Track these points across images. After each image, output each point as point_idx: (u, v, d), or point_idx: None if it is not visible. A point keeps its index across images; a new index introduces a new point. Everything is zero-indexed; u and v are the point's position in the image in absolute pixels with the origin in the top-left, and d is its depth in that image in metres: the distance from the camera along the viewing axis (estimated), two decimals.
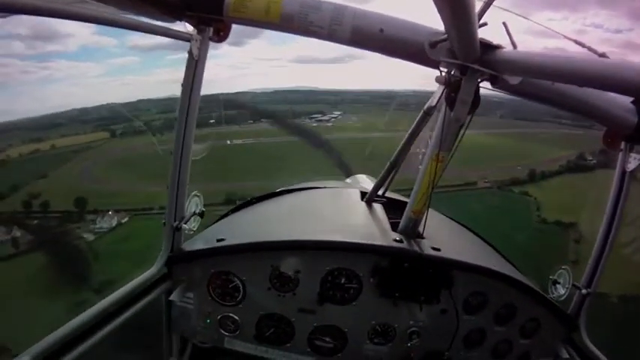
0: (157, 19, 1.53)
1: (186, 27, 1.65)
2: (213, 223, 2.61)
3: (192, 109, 1.82)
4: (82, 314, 1.67)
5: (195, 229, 2.18)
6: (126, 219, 24.82)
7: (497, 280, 2.20)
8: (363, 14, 1.53)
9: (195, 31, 1.65)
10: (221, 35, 1.66)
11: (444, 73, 1.55)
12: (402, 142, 2.39)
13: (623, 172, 2.04)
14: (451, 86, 1.55)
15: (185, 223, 2.08)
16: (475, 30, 1.21)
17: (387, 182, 2.69)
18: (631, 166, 1.95)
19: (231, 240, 2.10)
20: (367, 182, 4.04)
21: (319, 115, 39.94)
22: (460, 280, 2.15)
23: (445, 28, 1.26)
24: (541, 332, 2.41)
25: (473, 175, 37.13)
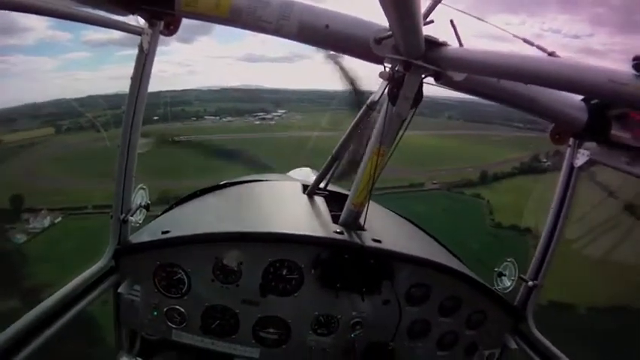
0: (111, 12, 1.74)
1: (138, 21, 1.86)
2: (159, 215, 2.94)
3: (139, 103, 2.07)
4: (30, 312, 1.85)
5: (141, 221, 2.42)
6: (59, 218, 25.59)
7: (439, 271, 2.50)
8: (309, 10, 1.76)
9: (147, 24, 1.87)
10: (171, 29, 1.89)
11: (387, 69, 1.80)
12: (344, 135, 2.74)
13: (571, 168, 2.35)
14: (394, 82, 1.81)
15: (132, 216, 2.33)
16: (420, 27, 1.39)
17: (328, 175, 3.07)
18: (579, 162, 2.27)
19: (176, 232, 2.35)
20: (310, 175, 4.50)
21: (262, 114, 44.07)
22: (402, 272, 2.44)
23: (389, 24, 1.45)
24: (488, 323, 2.74)
25: (420, 176, 40.42)
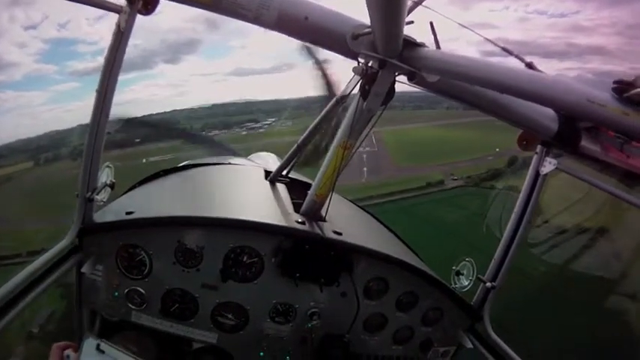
0: None
1: None
2: (122, 194, 3.15)
3: (112, 82, 2.21)
4: None
5: (105, 200, 2.57)
6: None
7: (397, 267, 2.75)
8: (290, 0, 1.90)
9: (126, 2, 1.98)
10: (149, 8, 2.00)
11: (361, 64, 1.99)
12: (311, 126, 2.99)
13: (537, 175, 2.60)
14: (367, 78, 2.02)
15: (97, 194, 2.48)
16: (401, 27, 1.57)
17: (291, 163, 3.36)
18: (545, 169, 2.50)
19: (140, 213, 2.54)
20: (270, 161, 4.87)
21: (251, 124, 45.95)
22: (360, 265, 2.69)
23: (371, 21, 1.61)
24: (444, 321, 3.02)
25: (436, 172, 39.10)
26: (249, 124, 45.97)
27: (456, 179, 38.85)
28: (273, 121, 46.49)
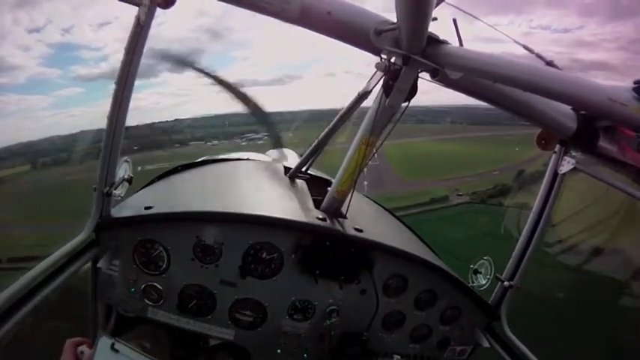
0: None
1: None
2: (141, 189, 3.19)
3: (131, 74, 2.25)
4: (12, 285, 2.06)
5: (122, 195, 2.64)
6: None
7: (417, 264, 2.80)
8: None
9: None
10: (168, 2, 2.03)
11: (384, 60, 2.04)
12: (332, 122, 3.01)
13: (555, 174, 2.68)
14: (390, 74, 2.06)
15: (115, 189, 2.52)
16: (427, 23, 1.62)
17: (311, 160, 3.39)
18: (564, 169, 2.57)
19: (158, 208, 2.58)
20: (291, 156, 4.85)
21: (252, 134, 45.05)
22: (380, 263, 2.73)
23: (397, 17, 1.66)
24: (461, 320, 3.08)
25: (439, 187, 38.67)
26: (249, 134, 46.67)
27: (461, 195, 38.29)
28: None
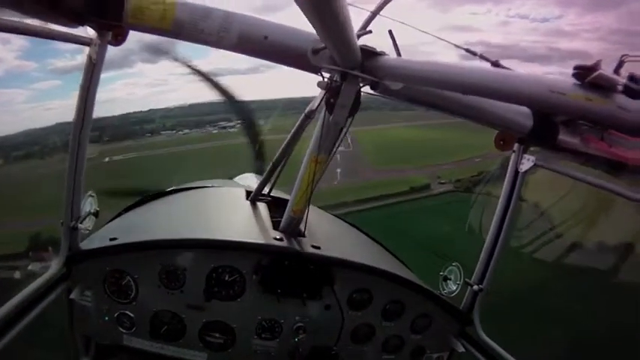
0: (59, 24, 2.05)
1: (87, 31, 2.21)
2: (109, 221, 3.37)
3: (88, 111, 2.40)
4: None
5: (90, 228, 2.81)
6: None
7: (380, 276, 2.94)
8: (249, 21, 2.06)
9: (96, 35, 2.20)
10: (119, 39, 2.18)
11: (326, 79, 2.14)
12: (284, 142, 3.15)
13: (516, 173, 2.75)
14: (331, 91, 2.14)
15: (81, 223, 2.69)
16: (352, 39, 1.66)
17: (271, 181, 3.60)
18: (524, 167, 2.64)
19: (123, 239, 2.75)
20: (254, 181, 5.13)
21: (224, 123, 46.47)
22: (342, 278, 2.88)
23: (320, 37, 1.73)
24: (433, 327, 3.21)
25: (419, 175, 37.78)
26: (221, 123, 46.76)
27: (443, 183, 37.31)
28: None
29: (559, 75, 1.99)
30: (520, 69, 2.06)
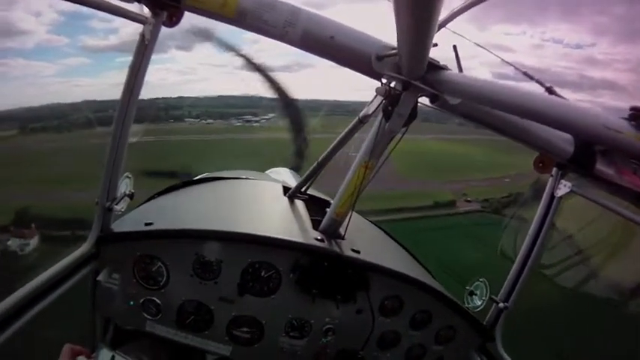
0: None
1: (142, 10, 2.22)
2: (141, 204, 3.41)
3: (135, 92, 2.42)
4: (11, 295, 2.19)
5: (123, 209, 2.84)
6: None
7: (412, 285, 3.01)
8: (316, 19, 2.09)
9: (151, 14, 2.20)
10: (174, 20, 2.18)
11: (384, 85, 2.18)
12: (333, 144, 3.21)
13: (552, 197, 2.85)
14: (390, 98, 2.20)
15: (116, 204, 2.73)
16: (427, 50, 1.71)
17: (310, 180, 3.64)
18: (560, 192, 2.73)
19: (159, 224, 2.77)
20: (288, 176, 5.25)
21: (249, 117, 48.47)
22: (377, 283, 2.93)
23: (398, 43, 1.74)
24: (456, 340, 3.29)
25: (444, 190, 37.18)
26: (247, 116, 47.59)
27: (469, 201, 36.48)
28: (272, 117, 48.55)
29: (589, 103, 2.01)
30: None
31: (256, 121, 48.53)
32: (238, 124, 48.14)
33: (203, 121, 50.23)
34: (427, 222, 31.36)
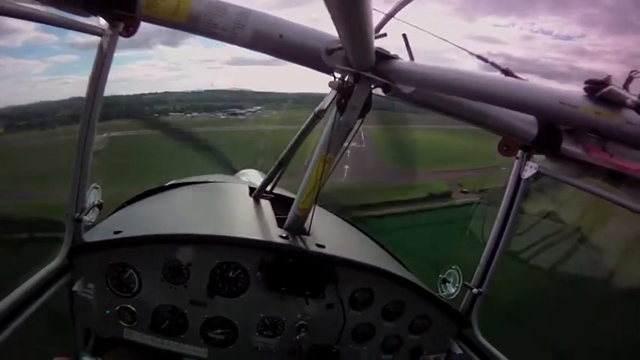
0: (72, 13, 2.17)
1: (99, 22, 2.33)
2: (111, 213, 3.53)
3: (96, 102, 2.53)
4: None
5: (93, 220, 2.95)
6: None
7: (381, 276, 3.11)
8: (264, 19, 2.18)
9: (108, 25, 2.31)
10: (130, 31, 2.27)
11: (337, 79, 2.27)
12: (292, 141, 3.32)
13: (518, 180, 2.95)
14: (343, 92, 2.27)
15: (85, 215, 2.83)
16: (370, 41, 1.76)
17: (275, 179, 3.81)
18: (527, 174, 2.79)
19: (128, 232, 2.89)
20: (256, 177, 5.47)
21: (235, 109, 48.92)
22: (345, 277, 3.04)
23: (339, 37, 1.80)
24: (432, 328, 3.39)
25: (438, 181, 36.28)
26: (232, 109, 47.86)
27: (465, 192, 34.71)
28: (259, 109, 49.63)
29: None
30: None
31: (242, 114, 49.08)
32: (223, 116, 48.36)
33: (188, 115, 50.57)
34: (422, 216, 30.57)
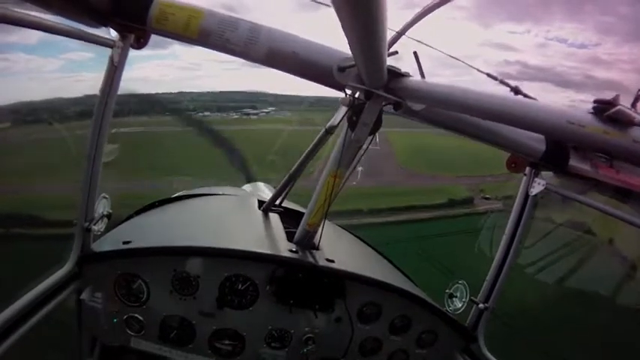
0: (83, 24, 2.23)
1: (110, 33, 2.39)
2: (120, 223, 3.60)
3: (107, 113, 2.59)
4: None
5: (102, 230, 3.03)
6: None
7: (389, 291, 3.18)
8: (278, 36, 2.23)
9: (118, 37, 2.38)
10: (141, 42, 2.36)
11: (348, 96, 2.32)
12: (302, 156, 3.40)
13: (526, 196, 3.00)
14: (354, 109, 2.35)
15: (94, 225, 2.90)
16: (383, 58, 1.81)
17: (284, 193, 3.88)
18: (534, 190, 2.83)
19: (137, 243, 2.95)
20: (265, 191, 5.59)
21: (249, 110, 49.94)
22: (354, 291, 3.11)
23: (353, 55, 1.85)
24: (438, 343, 3.46)
25: (457, 186, 35.59)
26: (246, 109, 48.66)
27: (488, 198, 33.50)
28: (272, 110, 50.63)
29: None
30: (553, 95, 2.24)
31: (255, 114, 49.72)
32: (235, 116, 49.07)
33: (200, 114, 51.81)
34: (443, 223, 29.59)
